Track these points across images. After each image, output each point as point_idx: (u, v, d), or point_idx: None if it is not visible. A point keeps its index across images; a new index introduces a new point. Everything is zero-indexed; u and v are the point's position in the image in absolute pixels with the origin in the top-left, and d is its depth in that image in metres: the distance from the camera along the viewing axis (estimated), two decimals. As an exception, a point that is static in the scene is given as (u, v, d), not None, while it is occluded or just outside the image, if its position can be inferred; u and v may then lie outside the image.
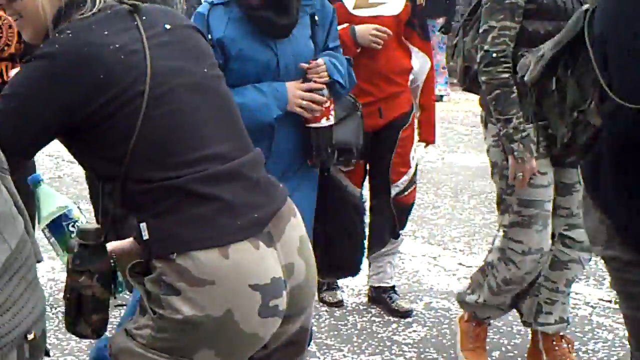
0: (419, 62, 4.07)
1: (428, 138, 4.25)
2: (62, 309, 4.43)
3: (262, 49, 2.97)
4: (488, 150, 3.41)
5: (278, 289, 1.92)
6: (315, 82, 2.99)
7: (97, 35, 1.90)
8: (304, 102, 2.97)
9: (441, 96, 9.67)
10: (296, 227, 2.04)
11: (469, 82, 3.44)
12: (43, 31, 2.00)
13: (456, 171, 7.12)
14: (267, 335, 1.94)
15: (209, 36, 2.91)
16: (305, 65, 3.00)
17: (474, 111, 9.64)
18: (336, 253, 3.16)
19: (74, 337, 3.91)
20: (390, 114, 3.98)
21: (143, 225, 1.86)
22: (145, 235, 1.86)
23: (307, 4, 3.05)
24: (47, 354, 1.62)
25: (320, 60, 3.02)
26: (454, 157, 7.50)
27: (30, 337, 1.49)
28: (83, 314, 2.00)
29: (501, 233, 3.44)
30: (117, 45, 1.89)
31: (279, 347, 2.06)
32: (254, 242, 1.88)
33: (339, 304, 4.26)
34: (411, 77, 4.04)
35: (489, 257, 3.50)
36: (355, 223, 3.22)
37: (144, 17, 1.98)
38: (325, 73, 3.01)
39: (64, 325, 4.10)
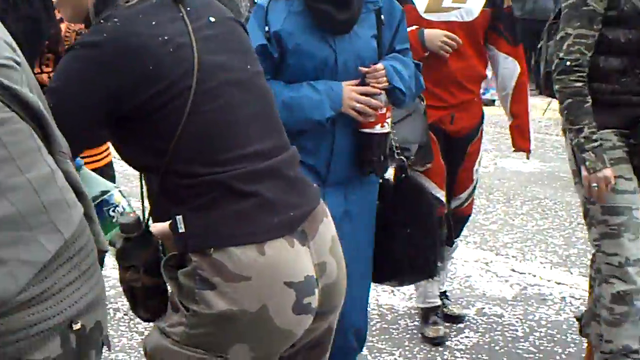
0: (508, 68, 3.86)
1: (523, 146, 4.01)
2: (114, 305, 4.47)
3: (321, 44, 2.85)
4: (570, 159, 3.27)
5: (311, 287, 1.93)
6: (373, 87, 2.87)
7: (145, 26, 1.87)
8: (358, 105, 2.85)
9: (493, 100, 9.56)
10: (328, 227, 2.05)
11: (550, 88, 3.30)
12: (83, 13, 1.99)
13: (508, 176, 7.03)
14: (300, 331, 1.95)
15: (266, 28, 2.84)
16: (364, 69, 2.88)
17: (527, 116, 9.53)
18: (418, 255, 3.06)
19: (125, 334, 3.95)
20: (461, 121, 3.81)
21: (179, 218, 1.85)
22: (181, 228, 1.85)
23: (370, 1, 2.93)
24: (108, 347, 1.61)
25: (379, 65, 2.89)
26: (507, 162, 7.41)
27: (76, 327, 1.48)
28: (137, 303, 2.02)
29: (594, 251, 3.24)
30: (165, 37, 1.86)
31: (305, 345, 2.06)
32: (289, 240, 1.89)
33: (443, 339, 3.95)
34: (483, 85, 3.91)
35: (594, 291, 3.30)
36: (434, 224, 3.11)
37: (188, 8, 1.95)
38: (385, 79, 2.88)
39: (115, 321, 4.15)
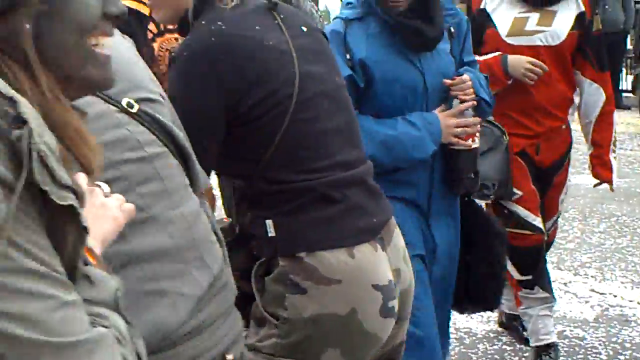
0: (592, 95, 3.62)
1: (605, 177, 3.74)
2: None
3: (407, 67, 2.67)
4: None
5: (393, 290, 1.97)
6: (461, 99, 2.70)
7: (251, 30, 1.87)
8: (458, 130, 2.69)
9: (565, 115, 9.41)
10: (399, 237, 2.08)
11: None
12: (179, 14, 1.96)
13: (583, 193, 6.89)
14: (385, 336, 1.96)
15: (347, 56, 2.63)
16: (449, 81, 2.70)
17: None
18: (476, 285, 2.93)
19: None
20: (547, 151, 3.61)
21: (269, 222, 1.88)
22: (271, 232, 1.88)
23: (450, 13, 2.77)
24: None
25: (466, 76, 2.72)
26: (581, 178, 7.24)
27: (229, 357, 1.53)
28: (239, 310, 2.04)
29: None
30: (270, 43, 1.87)
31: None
32: (373, 244, 1.94)
33: None
34: (571, 111, 3.68)
35: None
36: (499, 253, 2.95)
37: (282, 16, 1.96)
38: (472, 90, 2.71)
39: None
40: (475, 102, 2.72)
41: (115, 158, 1.39)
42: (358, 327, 1.89)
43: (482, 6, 3.48)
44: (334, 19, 2.83)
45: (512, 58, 3.42)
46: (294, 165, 1.89)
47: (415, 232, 2.69)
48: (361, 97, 2.66)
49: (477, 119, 2.74)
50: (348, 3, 2.78)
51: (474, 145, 2.77)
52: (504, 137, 3.26)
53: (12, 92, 0.91)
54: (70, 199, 0.90)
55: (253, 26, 1.88)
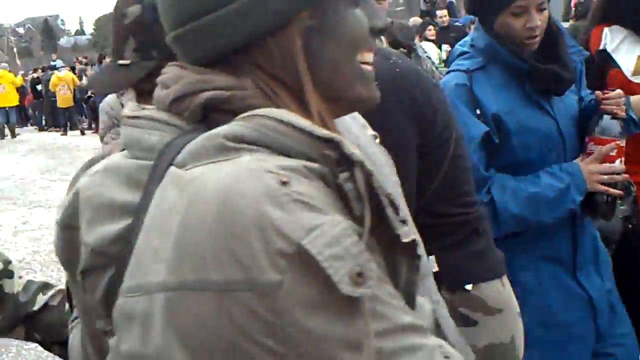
0: None
1: None
2: None
3: (540, 113, 2.53)
4: None
5: None
6: (615, 114, 2.54)
7: (416, 67, 1.94)
8: (605, 177, 2.51)
9: None
10: None
11: None
12: None
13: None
14: None
15: (477, 111, 2.48)
16: (601, 95, 2.55)
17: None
18: None
19: None
20: None
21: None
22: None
23: (574, 51, 2.61)
24: None
25: (619, 90, 2.58)
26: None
27: None
28: None
29: None
30: (433, 84, 1.93)
31: None
32: (506, 275, 2.01)
33: None
34: None
35: None
36: None
37: None
38: (624, 107, 2.56)
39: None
40: (625, 117, 2.57)
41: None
42: (515, 354, 1.96)
43: (601, 47, 3.32)
44: (448, 72, 2.67)
45: (634, 98, 3.12)
46: (453, 199, 1.93)
47: (561, 296, 2.55)
48: (494, 154, 2.51)
49: (622, 167, 2.55)
50: (462, 53, 2.63)
51: (622, 166, 2.57)
52: (632, 187, 3.05)
53: (327, 133, 0.84)
54: (412, 234, 0.86)
55: (415, 66, 1.93)
